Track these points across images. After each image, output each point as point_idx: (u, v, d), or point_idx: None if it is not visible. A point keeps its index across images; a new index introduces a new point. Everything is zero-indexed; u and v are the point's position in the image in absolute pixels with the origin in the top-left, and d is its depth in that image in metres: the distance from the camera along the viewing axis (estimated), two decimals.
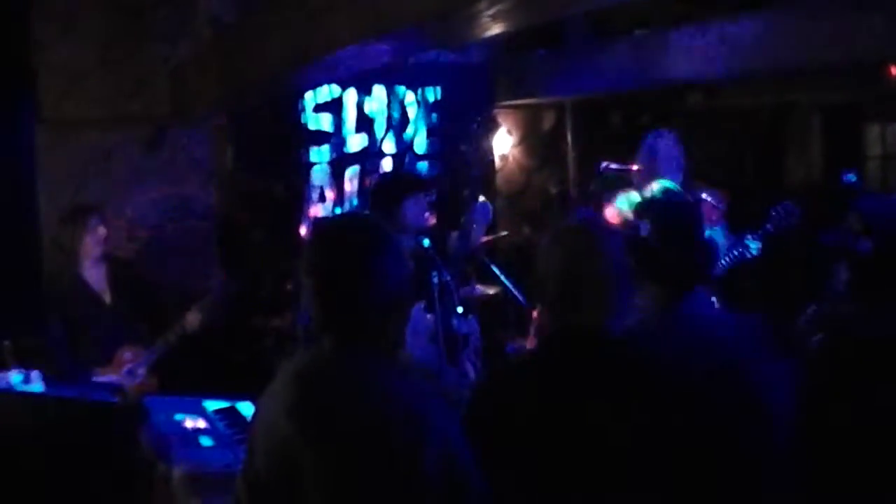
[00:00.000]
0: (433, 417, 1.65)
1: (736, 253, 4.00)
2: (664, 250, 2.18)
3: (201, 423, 2.75)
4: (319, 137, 5.80)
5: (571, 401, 1.82)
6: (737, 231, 4.15)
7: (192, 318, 4.21)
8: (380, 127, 6.02)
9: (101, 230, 4.26)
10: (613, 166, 4.35)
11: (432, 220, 3.88)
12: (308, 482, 1.69)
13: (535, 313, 3.23)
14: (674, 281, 2.19)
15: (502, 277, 4.49)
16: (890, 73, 5.27)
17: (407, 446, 1.61)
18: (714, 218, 4.18)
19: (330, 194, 5.88)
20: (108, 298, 4.27)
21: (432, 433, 1.62)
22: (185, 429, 2.72)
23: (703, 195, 4.26)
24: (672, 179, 4.22)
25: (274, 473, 1.76)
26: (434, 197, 3.97)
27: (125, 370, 4.10)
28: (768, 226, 3.96)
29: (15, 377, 2.90)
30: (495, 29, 2.55)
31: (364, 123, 5.95)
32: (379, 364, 1.74)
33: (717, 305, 2.57)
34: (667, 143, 4.22)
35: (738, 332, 2.23)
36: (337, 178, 5.91)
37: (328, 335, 1.74)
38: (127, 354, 4.15)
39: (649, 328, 2.25)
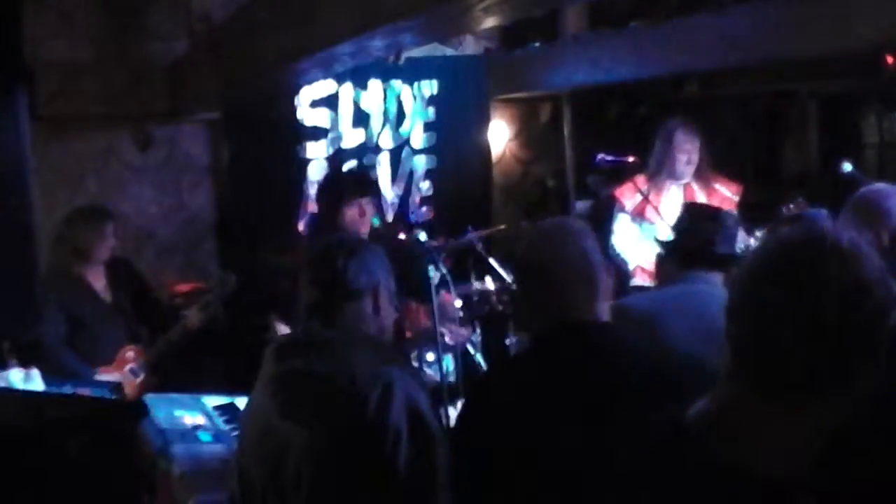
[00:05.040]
0: (396, 379, 1.89)
1: (744, 247, 4.01)
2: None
3: (200, 420, 2.76)
4: (316, 133, 5.78)
5: (565, 394, 1.86)
6: (746, 222, 4.16)
7: (193, 317, 4.21)
8: (376, 122, 6.01)
9: (114, 239, 4.24)
10: (609, 158, 4.36)
11: (365, 228, 3.79)
12: (292, 457, 1.87)
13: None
14: (678, 258, 2.63)
15: (500, 271, 4.49)
16: (887, 61, 5.26)
17: (372, 397, 1.84)
18: (727, 208, 4.19)
19: None
20: (108, 297, 4.25)
21: (395, 390, 1.86)
22: (185, 425, 2.72)
23: (717, 185, 4.28)
24: (683, 171, 4.26)
25: (262, 455, 1.95)
26: (378, 198, 3.91)
27: (127, 369, 4.10)
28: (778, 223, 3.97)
29: (14, 375, 2.91)
30: (488, 21, 2.55)
31: (360, 118, 5.93)
32: (352, 339, 1.99)
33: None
34: (682, 134, 4.24)
35: None
36: None
37: (315, 319, 2.03)
38: (129, 353, 4.15)
39: (657, 297, 2.67)
